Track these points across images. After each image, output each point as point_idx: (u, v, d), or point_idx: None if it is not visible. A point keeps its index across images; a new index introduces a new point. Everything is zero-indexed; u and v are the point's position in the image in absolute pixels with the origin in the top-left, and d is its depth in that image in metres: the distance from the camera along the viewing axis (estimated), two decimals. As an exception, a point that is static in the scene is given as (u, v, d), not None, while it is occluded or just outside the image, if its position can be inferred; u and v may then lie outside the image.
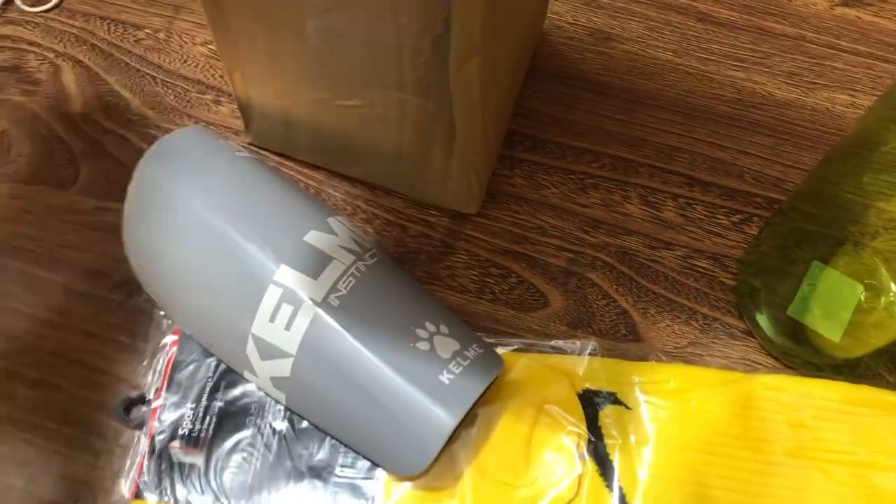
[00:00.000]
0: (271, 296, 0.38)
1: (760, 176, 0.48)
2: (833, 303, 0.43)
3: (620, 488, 0.38)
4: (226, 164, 0.43)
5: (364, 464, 0.39)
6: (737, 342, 0.43)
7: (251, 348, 0.39)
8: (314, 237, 0.40)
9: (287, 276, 0.38)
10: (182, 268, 0.41)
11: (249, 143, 0.49)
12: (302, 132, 0.46)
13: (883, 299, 0.43)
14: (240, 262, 0.39)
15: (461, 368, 0.38)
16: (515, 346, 0.42)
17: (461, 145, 0.42)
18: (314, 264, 0.39)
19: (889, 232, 0.40)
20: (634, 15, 0.54)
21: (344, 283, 0.39)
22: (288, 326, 0.38)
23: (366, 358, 0.37)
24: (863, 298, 0.43)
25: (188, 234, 0.40)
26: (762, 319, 0.44)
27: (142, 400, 0.42)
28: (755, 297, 0.44)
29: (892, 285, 0.43)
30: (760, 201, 0.47)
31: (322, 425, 0.40)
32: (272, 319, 0.38)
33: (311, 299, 0.38)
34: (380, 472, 0.39)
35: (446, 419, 0.37)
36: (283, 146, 0.49)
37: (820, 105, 0.50)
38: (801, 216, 0.43)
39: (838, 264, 0.43)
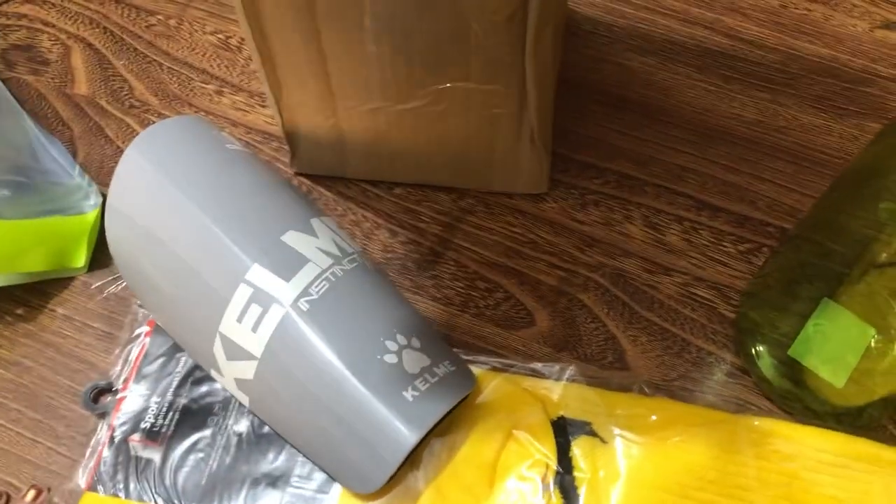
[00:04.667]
0: (241, 294, 0.37)
1: (775, 204, 0.45)
2: (840, 345, 0.40)
3: (585, 526, 0.36)
4: (213, 155, 0.42)
5: (321, 476, 0.38)
6: (730, 380, 0.41)
7: (218, 347, 0.38)
8: (292, 237, 0.39)
9: (259, 275, 0.37)
10: (158, 256, 0.40)
11: (297, 174, 0.48)
12: (356, 149, 0.45)
13: (895, 347, 0.40)
14: (214, 257, 0.38)
15: (427, 385, 0.36)
16: (492, 366, 0.40)
17: (535, 121, 0.41)
18: (288, 265, 0.38)
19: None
20: (658, 27, 0.51)
21: (317, 287, 0.37)
22: (255, 328, 0.37)
23: (329, 366, 0.36)
24: (873, 343, 0.40)
25: (167, 222, 0.39)
26: (760, 357, 0.41)
27: (109, 389, 0.41)
28: (755, 333, 0.41)
29: (906, 334, 0.40)
30: (772, 231, 0.44)
31: (282, 432, 0.39)
32: (240, 319, 0.37)
33: (280, 302, 0.37)
34: (335, 488, 0.38)
35: (406, 436, 0.35)
36: (333, 168, 0.47)
37: (848, 132, 0.47)
38: (808, 246, 0.40)
39: (849, 304, 0.40)
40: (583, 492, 0.36)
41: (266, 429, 0.39)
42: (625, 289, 0.43)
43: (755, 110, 0.48)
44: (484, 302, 0.43)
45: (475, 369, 0.40)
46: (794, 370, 0.40)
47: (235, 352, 0.38)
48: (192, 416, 0.40)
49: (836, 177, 0.44)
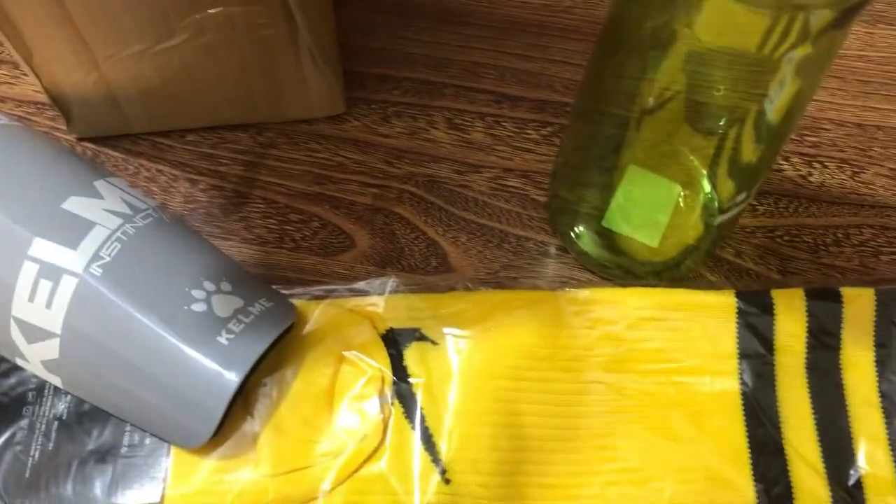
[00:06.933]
0: (27, 272, 0.35)
1: (571, 83, 0.45)
2: (650, 208, 0.41)
3: (427, 429, 0.36)
4: (-25, 134, 0.38)
5: (152, 441, 0.36)
6: (552, 260, 0.41)
7: (16, 332, 0.35)
8: (74, 203, 0.36)
9: (42, 248, 0.35)
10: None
11: (79, 139, 0.44)
12: (132, 101, 0.42)
13: (701, 196, 0.41)
14: (-8, 240, 0.35)
15: (242, 326, 0.35)
16: (312, 294, 0.39)
17: (310, 40, 0.39)
18: (73, 233, 0.35)
19: (668, 105, 0.37)
20: (434, -73, 0.50)
21: (108, 249, 0.35)
22: (49, 304, 0.35)
23: (135, 326, 0.34)
24: (681, 200, 0.41)
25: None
26: (576, 234, 0.41)
27: None
28: (566, 211, 0.42)
29: (706, 182, 0.41)
30: (571, 110, 0.45)
31: (103, 405, 0.37)
32: (31, 299, 0.35)
33: (71, 271, 0.34)
34: (168, 449, 0.36)
35: (226, 380, 0.34)
36: (116, 126, 0.44)
37: (631, 2, 0.47)
38: (593, 116, 0.40)
39: (651, 165, 0.41)
40: (419, 396, 0.36)
41: (87, 405, 0.37)
42: (439, 194, 0.43)
43: (541, -5, 0.48)
44: (300, 234, 0.42)
45: (297, 301, 0.38)
46: (610, 239, 0.41)
47: (34, 333, 0.35)
48: (4, 411, 0.37)
49: (595, 42, 0.43)
